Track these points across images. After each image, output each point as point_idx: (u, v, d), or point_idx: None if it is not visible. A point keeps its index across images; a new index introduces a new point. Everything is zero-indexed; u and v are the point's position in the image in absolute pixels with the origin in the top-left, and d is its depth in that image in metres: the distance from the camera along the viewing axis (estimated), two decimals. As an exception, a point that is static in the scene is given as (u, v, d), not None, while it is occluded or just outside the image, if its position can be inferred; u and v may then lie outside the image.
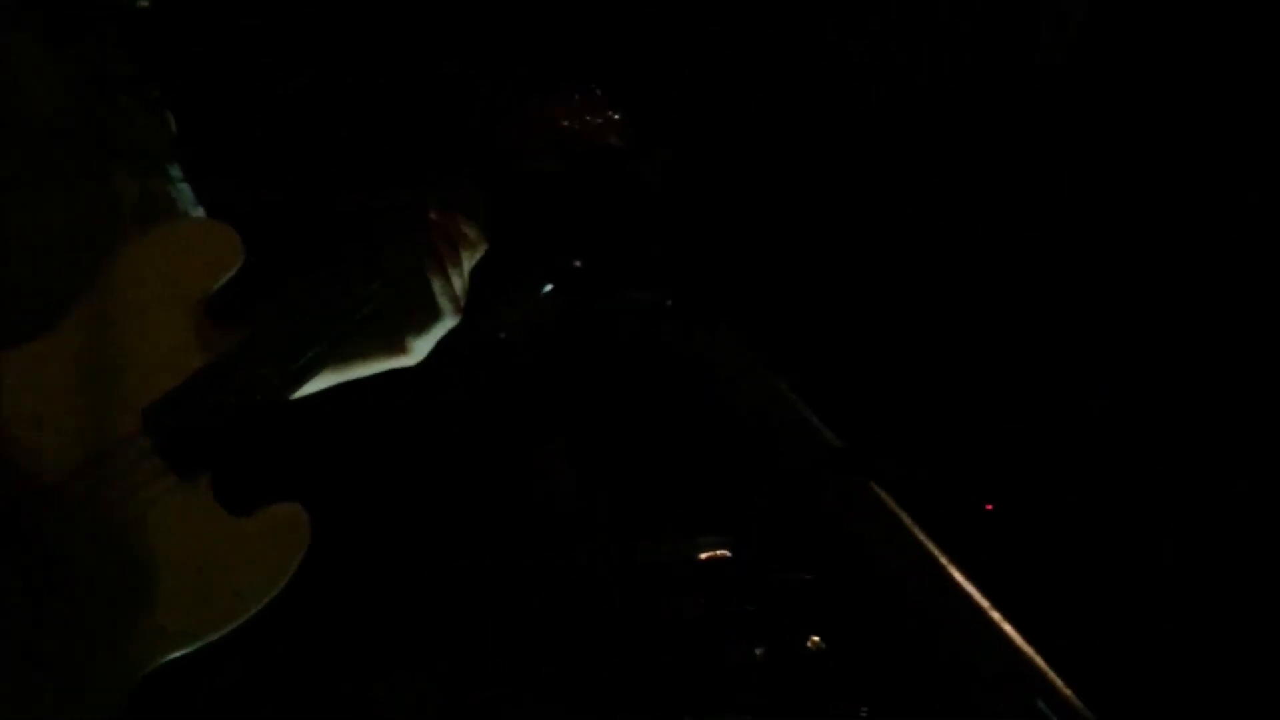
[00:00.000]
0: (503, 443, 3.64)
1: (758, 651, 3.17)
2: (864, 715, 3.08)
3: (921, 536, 2.39)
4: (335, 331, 1.93)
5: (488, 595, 3.48)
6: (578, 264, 2.98)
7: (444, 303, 2.01)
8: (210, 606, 1.72)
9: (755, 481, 3.27)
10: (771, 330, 3.14)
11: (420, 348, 2.05)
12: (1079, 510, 3.67)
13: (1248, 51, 3.59)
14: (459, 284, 2.04)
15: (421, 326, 2.02)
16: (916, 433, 3.62)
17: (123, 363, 1.76)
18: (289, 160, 3.44)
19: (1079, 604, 3.47)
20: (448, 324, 2.04)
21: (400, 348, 2.03)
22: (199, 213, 2.05)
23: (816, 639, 3.13)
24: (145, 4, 2.05)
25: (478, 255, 2.13)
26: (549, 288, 3.07)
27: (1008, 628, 2.29)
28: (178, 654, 1.70)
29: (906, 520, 2.42)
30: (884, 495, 2.46)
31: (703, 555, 3.26)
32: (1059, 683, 2.25)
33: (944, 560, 2.36)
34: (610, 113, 2.24)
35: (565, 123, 2.21)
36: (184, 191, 2.05)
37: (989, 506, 3.72)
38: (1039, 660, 2.27)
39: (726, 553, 3.27)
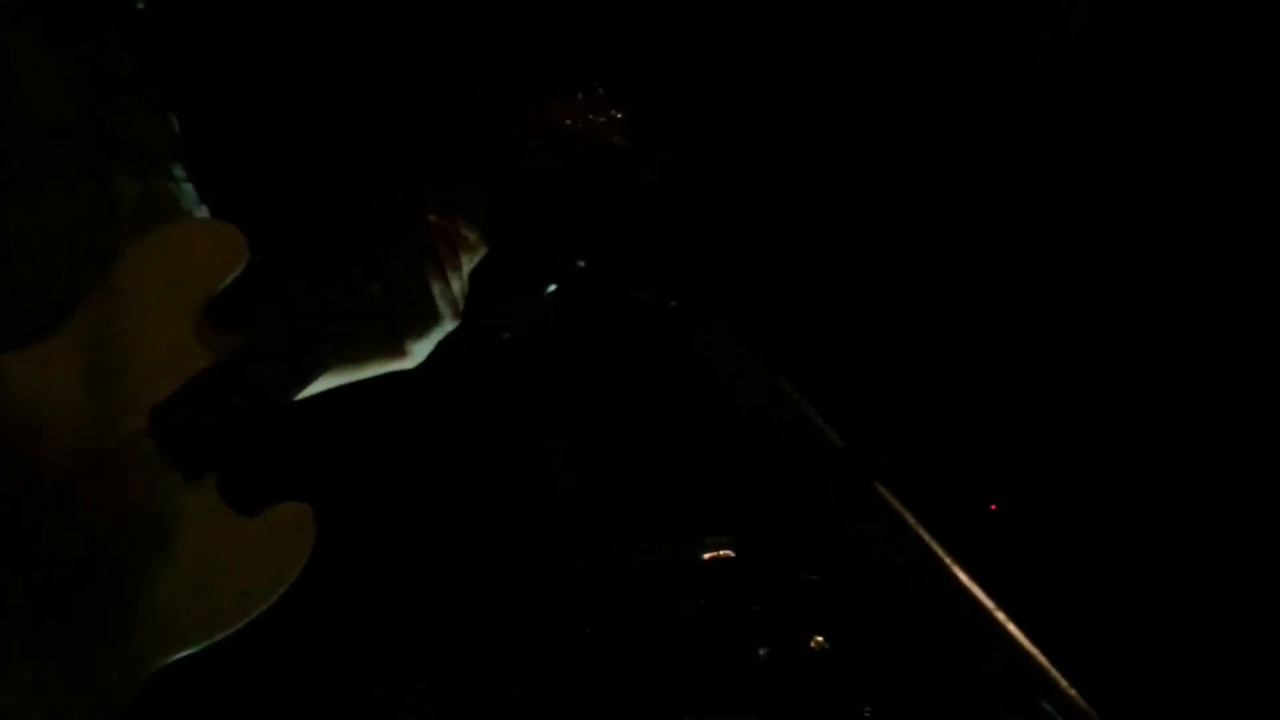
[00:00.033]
0: (503, 443, 3.64)
1: (761, 652, 3.17)
2: (867, 716, 3.08)
3: (925, 536, 2.39)
4: (338, 332, 1.93)
5: (488, 595, 3.48)
6: (581, 264, 2.98)
7: (443, 306, 2.02)
8: (216, 607, 1.72)
9: (758, 481, 3.27)
10: (775, 331, 3.14)
11: (419, 351, 2.05)
12: (1082, 510, 3.67)
13: (1248, 51, 3.59)
14: (458, 287, 2.05)
15: (420, 330, 2.03)
16: (919, 433, 3.62)
17: (128, 363, 1.76)
18: (289, 161, 3.44)
19: (1083, 604, 3.46)
20: (446, 327, 2.05)
21: (399, 351, 2.04)
22: (202, 212, 2.05)
23: (820, 639, 3.13)
24: (141, 5, 2.05)
25: (477, 258, 2.13)
26: (553, 287, 3.06)
27: (1012, 628, 2.29)
28: (182, 654, 1.70)
29: (910, 520, 2.42)
30: (888, 495, 2.46)
31: (706, 555, 3.26)
32: (1063, 682, 2.26)
33: (948, 560, 2.37)
34: (612, 111, 2.24)
35: (567, 121, 2.22)
36: (187, 191, 2.04)
37: (992, 506, 3.72)
38: (1043, 660, 2.27)
39: (730, 552, 3.27)
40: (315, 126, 3.51)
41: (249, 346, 1.85)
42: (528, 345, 3.43)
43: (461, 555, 3.51)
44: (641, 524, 3.49)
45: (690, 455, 3.61)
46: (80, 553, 1.66)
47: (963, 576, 2.34)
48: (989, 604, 2.31)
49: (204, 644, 1.71)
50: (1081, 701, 2.22)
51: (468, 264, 2.10)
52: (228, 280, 1.85)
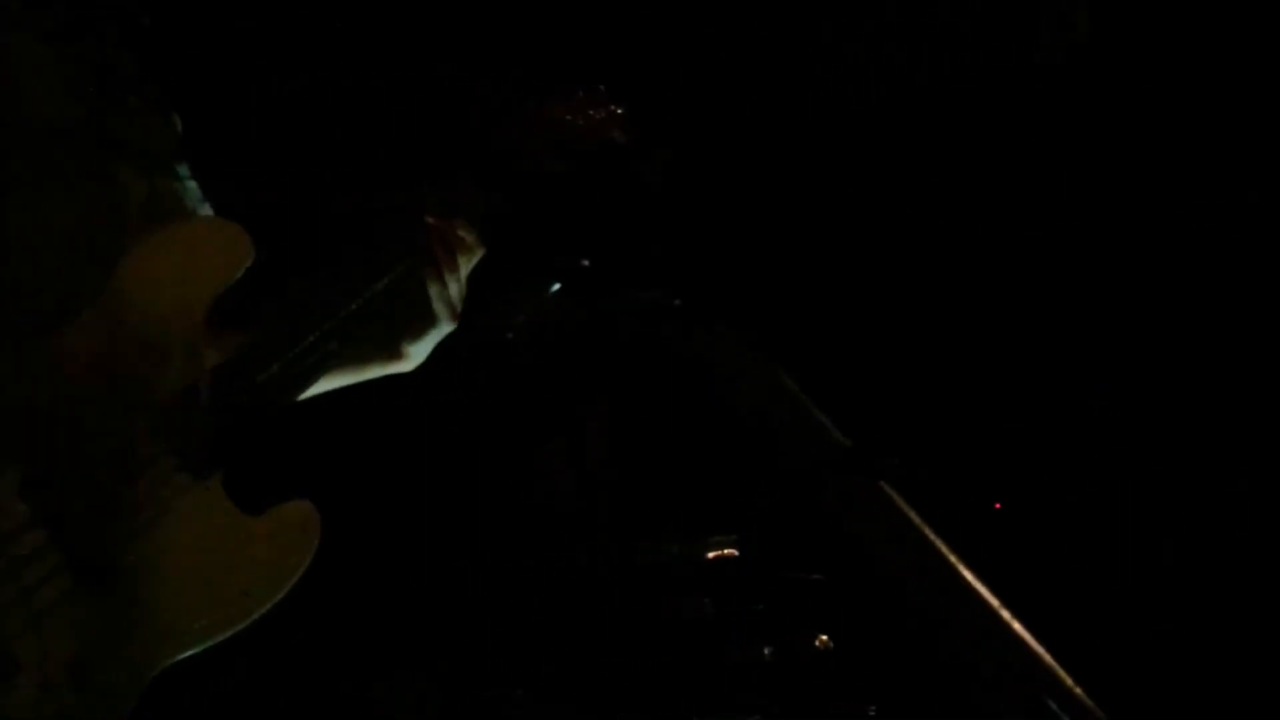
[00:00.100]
0: (503, 443, 3.64)
1: (766, 651, 3.16)
2: (872, 714, 3.08)
3: (931, 536, 2.39)
4: (341, 331, 1.93)
5: (488, 595, 3.48)
6: (585, 263, 2.98)
7: (440, 309, 2.03)
8: (221, 606, 1.72)
9: (760, 481, 3.27)
10: (776, 331, 3.14)
11: (416, 354, 2.06)
12: (1087, 509, 3.67)
13: (1248, 52, 3.60)
14: (455, 290, 2.05)
15: (418, 332, 2.04)
16: (925, 433, 3.62)
17: (134, 361, 1.75)
18: (290, 161, 3.43)
19: (1087, 602, 3.46)
20: (444, 330, 2.06)
21: (397, 354, 2.05)
22: (206, 211, 2.05)
23: (825, 638, 3.13)
24: (147, 21, 2.05)
25: (475, 260, 2.13)
26: (556, 287, 3.07)
27: (1017, 626, 2.29)
28: (187, 654, 1.70)
29: (916, 519, 2.42)
30: (893, 495, 2.46)
31: (710, 554, 3.26)
32: (1068, 681, 2.26)
33: (953, 559, 2.37)
34: (612, 107, 2.24)
35: (567, 118, 2.22)
36: (191, 190, 2.04)
37: (997, 506, 3.72)
38: (1048, 658, 2.27)
39: (734, 552, 3.26)
40: (315, 126, 3.51)
41: (254, 346, 1.85)
42: (528, 345, 3.43)
43: (461, 555, 3.51)
44: (642, 524, 3.49)
45: (691, 455, 3.61)
46: (86, 553, 1.66)
47: (968, 575, 2.34)
48: (994, 602, 2.31)
49: (208, 643, 1.71)
50: (1087, 699, 2.22)
51: (465, 266, 2.10)
52: (233, 279, 1.85)
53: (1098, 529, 3.64)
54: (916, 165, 3.83)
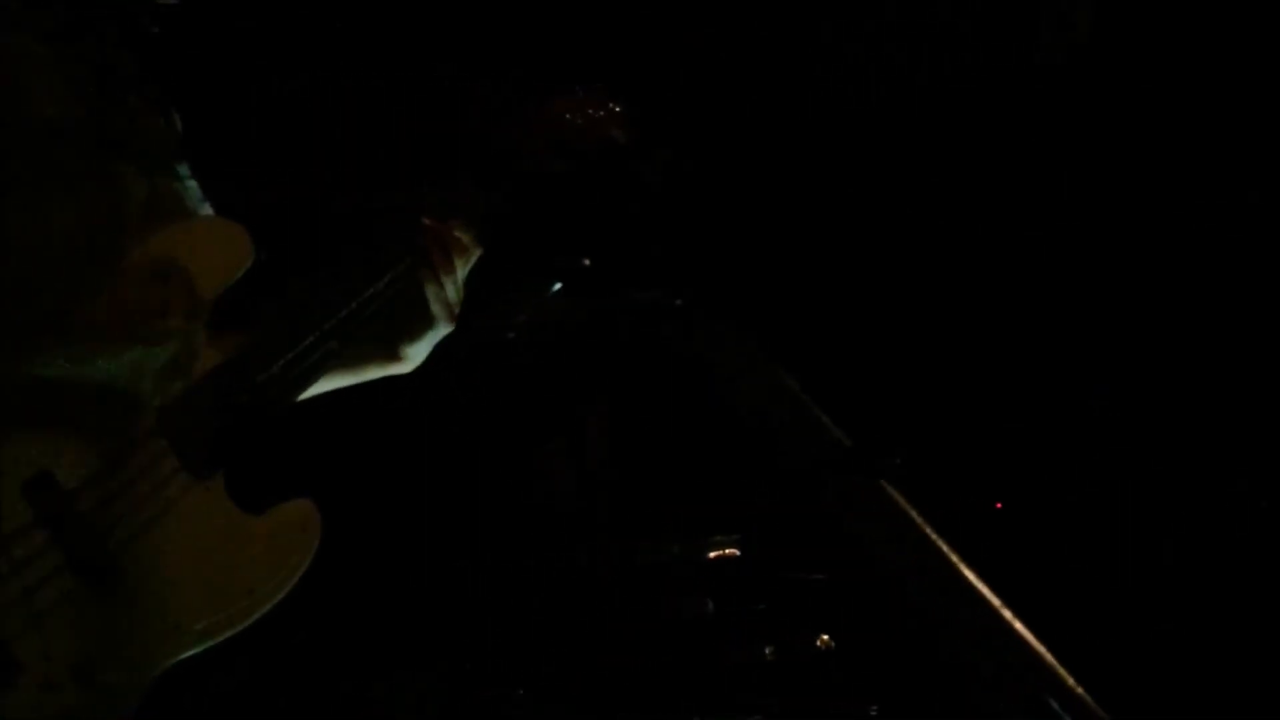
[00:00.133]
0: (503, 443, 3.64)
1: (767, 651, 3.16)
2: (873, 714, 3.08)
3: (932, 535, 2.39)
4: (341, 331, 1.93)
5: (488, 595, 3.48)
6: (586, 263, 2.98)
7: (438, 310, 2.03)
8: (224, 605, 1.72)
9: (761, 481, 3.27)
10: (777, 331, 3.14)
11: (415, 355, 2.07)
12: (1088, 509, 3.67)
13: (1248, 52, 3.60)
14: (452, 291, 2.05)
15: (416, 334, 2.05)
16: (925, 433, 3.62)
17: (137, 361, 1.75)
18: (290, 161, 3.43)
19: (1088, 602, 3.46)
20: (441, 331, 2.06)
21: (395, 355, 2.05)
22: (206, 210, 2.05)
23: (826, 638, 3.13)
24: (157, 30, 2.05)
25: (472, 261, 2.13)
26: (557, 287, 3.06)
27: (1019, 626, 2.29)
28: (189, 654, 1.70)
29: (917, 519, 2.42)
30: (895, 494, 2.46)
31: (711, 554, 3.26)
32: (1070, 680, 2.25)
33: (955, 559, 2.37)
34: (611, 105, 2.24)
35: (567, 116, 2.21)
36: (192, 189, 2.04)
37: (998, 505, 3.72)
38: (1050, 658, 2.27)
39: (735, 551, 3.26)
40: (315, 126, 3.51)
41: (255, 346, 1.85)
42: (528, 345, 3.43)
43: (462, 555, 3.51)
44: (642, 524, 3.49)
45: (691, 455, 3.61)
46: (87, 553, 1.66)
47: (969, 575, 2.34)
48: (995, 602, 2.31)
49: (211, 642, 1.71)
50: (1088, 699, 2.22)
51: (462, 268, 2.10)
52: (234, 278, 1.85)
53: (1098, 529, 3.64)
54: (916, 165, 3.83)
